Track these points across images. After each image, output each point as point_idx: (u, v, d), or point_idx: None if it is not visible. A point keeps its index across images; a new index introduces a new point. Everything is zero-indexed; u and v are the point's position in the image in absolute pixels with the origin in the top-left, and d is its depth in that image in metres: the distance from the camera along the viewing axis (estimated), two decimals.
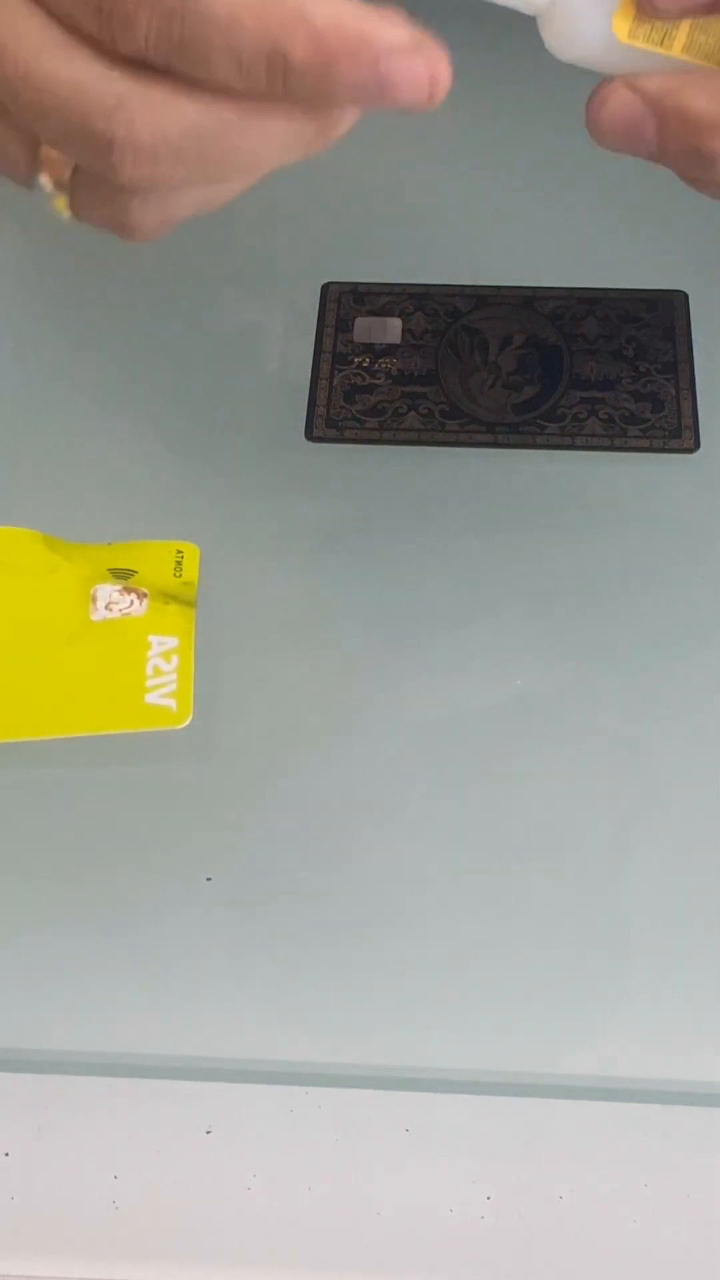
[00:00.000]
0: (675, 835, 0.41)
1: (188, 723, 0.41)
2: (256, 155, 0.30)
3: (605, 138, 0.34)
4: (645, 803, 0.41)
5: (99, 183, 0.31)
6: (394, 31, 0.28)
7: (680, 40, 0.33)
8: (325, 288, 0.48)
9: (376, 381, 0.43)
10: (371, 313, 0.44)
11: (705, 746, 0.42)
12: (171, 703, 0.41)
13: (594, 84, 0.35)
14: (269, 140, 0.30)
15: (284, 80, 0.28)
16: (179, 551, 0.44)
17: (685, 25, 0.33)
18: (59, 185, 0.33)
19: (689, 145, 0.33)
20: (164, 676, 0.42)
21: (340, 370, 0.43)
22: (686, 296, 0.49)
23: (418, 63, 0.28)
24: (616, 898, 0.40)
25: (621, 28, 0.33)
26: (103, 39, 0.29)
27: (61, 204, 0.33)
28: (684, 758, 0.42)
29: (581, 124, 0.44)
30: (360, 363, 0.44)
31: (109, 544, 0.45)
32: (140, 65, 0.29)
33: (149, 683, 0.42)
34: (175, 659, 0.42)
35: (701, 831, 0.41)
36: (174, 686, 0.42)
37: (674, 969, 0.39)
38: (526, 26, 0.53)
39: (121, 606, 0.43)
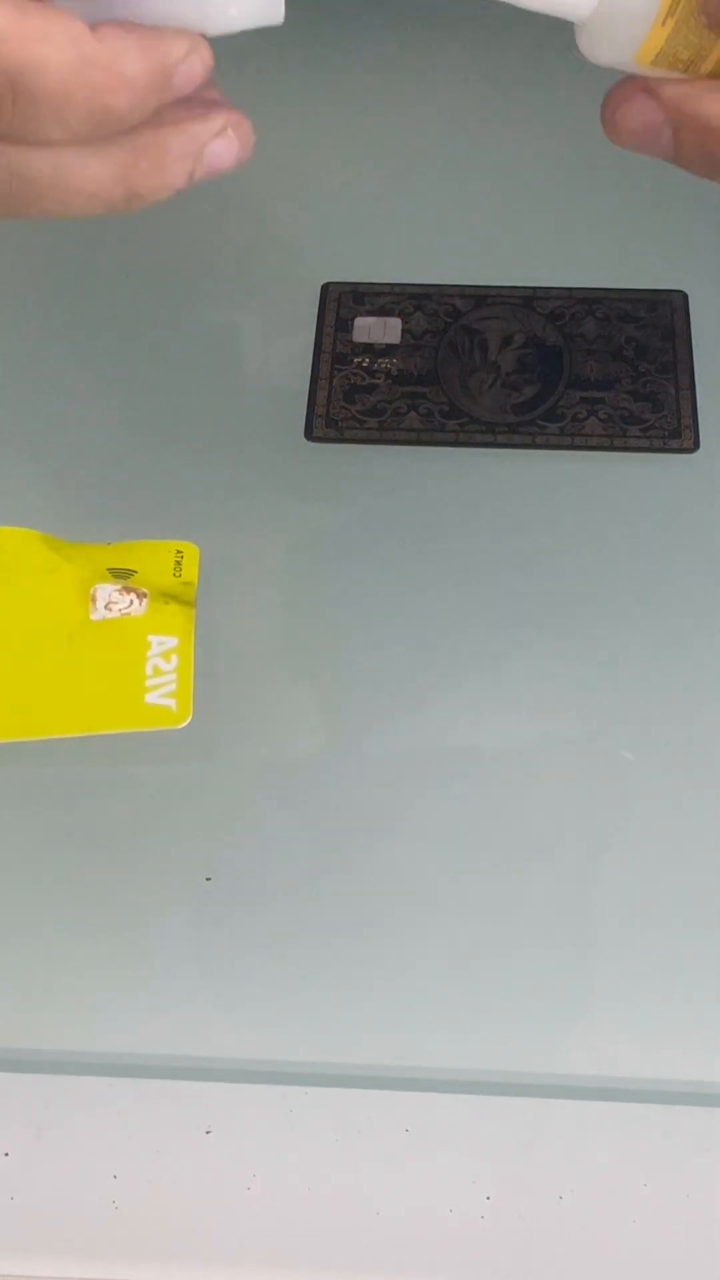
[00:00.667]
0: (676, 836, 0.41)
1: (188, 723, 0.41)
2: (65, 201, 0.33)
3: (621, 139, 0.34)
4: (646, 803, 0.41)
5: None
6: (215, 120, 0.34)
7: (710, 65, 0.32)
8: (325, 288, 0.48)
9: (376, 381, 0.43)
10: (371, 313, 0.44)
11: (706, 746, 0.42)
12: (171, 702, 0.41)
13: (598, 88, 0.35)
14: (80, 187, 0.33)
15: (105, 126, 0.31)
16: (179, 551, 0.44)
17: (714, 54, 0.32)
18: None
19: (706, 151, 0.33)
20: (164, 676, 0.42)
21: (340, 370, 0.43)
22: (686, 296, 0.49)
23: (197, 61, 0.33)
24: (616, 898, 0.40)
25: (649, 51, 0.32)
26: None
27: None
28: (685, 757, 0.42)
29: (581, 125, 0.44)
30: (360, 363, 0.44)
31: (109, 544, 0.45)
32: None
33: (149, 682, 0.42)
34: (175, 659, 0.42)
35: (703, 832, 0.41)
36: (174, 686, 0.42)
37: (674, 969, 0.39)
38: (527, 27, 0.53)
39: (121, 606, 0.43)
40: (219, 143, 0.34)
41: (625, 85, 0.33)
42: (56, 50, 0.30)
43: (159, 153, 0.33)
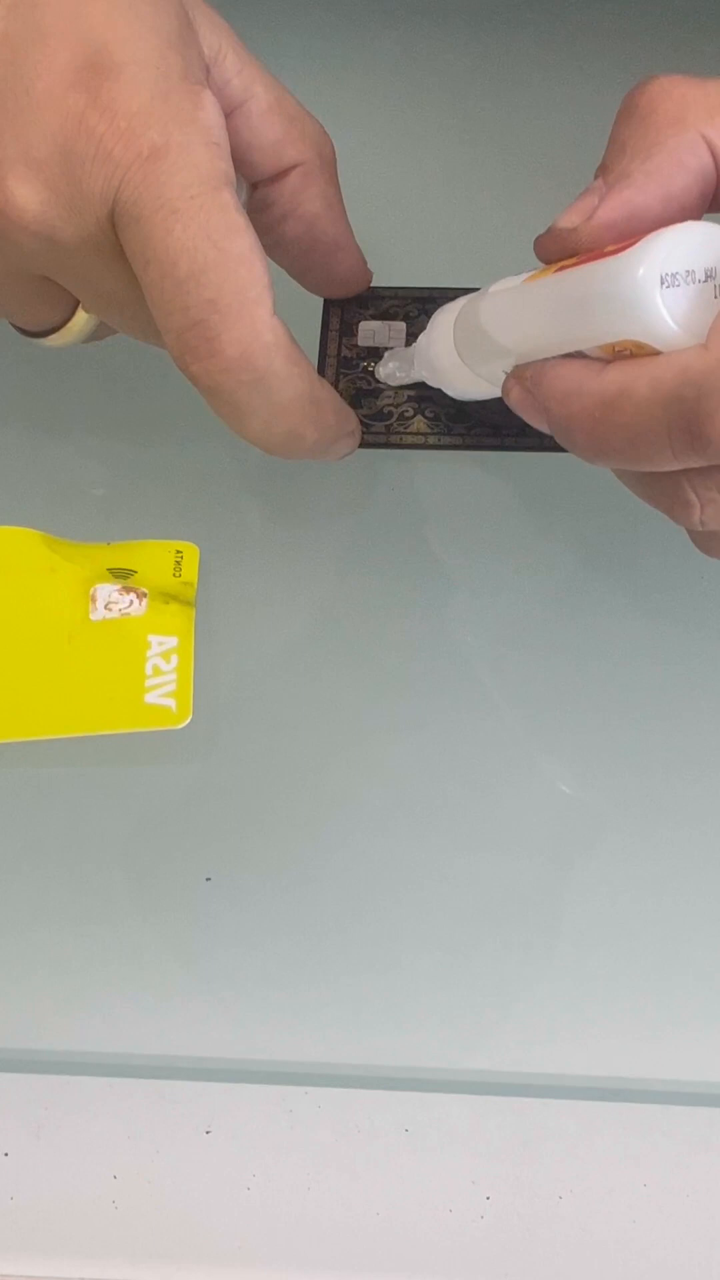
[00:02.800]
0: (677, 836, 0.41)
1: (188, 723, 0.41)
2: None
3: (516, 411, 0.37)
4: (646, 804, 0.41)
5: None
6: (352, 420, 0.41)
7: None
8: None
9: (382, 386, 0.43)
10: (375, 316, 0.44)
11: (708, 746, 0.42)
12: (171, 703, 0.41)
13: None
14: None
15: (286, 448, 0.39)
16: (178, 551, 0.44)
17: None
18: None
19: (557, 428, 0.36)
20: (164, 676, 0.42)
21: (345, 374, 0.43)
22: None
23: (353, 443, 0.41)
24: (617, 898, 0.40)
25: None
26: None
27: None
28: (687, 758, 0.42)
29: (582, 125, 0.45)
30: (365, 367, 0.44)
31: (109, 544, 0.44)
32: None
33: (148, 682, 0.42)
34: (175, 659, 0.42)
35: (704, 832, 0.41)
36: (174, 686, 0.42)
37: (674, 969, 0.39)
38: (530, 29, 0.53)
39: (121, 606, 0.43)
40: (349, 441, 0.41)
41: (508, 377, 0.37)
42: (301, 376, 0.37)
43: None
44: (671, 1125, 0.38)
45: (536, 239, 0.36)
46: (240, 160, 0.40)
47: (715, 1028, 0.38)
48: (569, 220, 0.35)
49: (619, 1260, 0.36)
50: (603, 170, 0.35)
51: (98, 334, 0.42)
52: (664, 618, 0.44)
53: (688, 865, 0.40)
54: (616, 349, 0.34)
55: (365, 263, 0.44)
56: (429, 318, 0.41)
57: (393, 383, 0.43)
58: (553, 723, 0.42)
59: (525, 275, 0.37)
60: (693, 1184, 0.37)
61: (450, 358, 0.40)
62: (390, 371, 0.43)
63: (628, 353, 0.34)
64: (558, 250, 0.36)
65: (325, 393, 0.39)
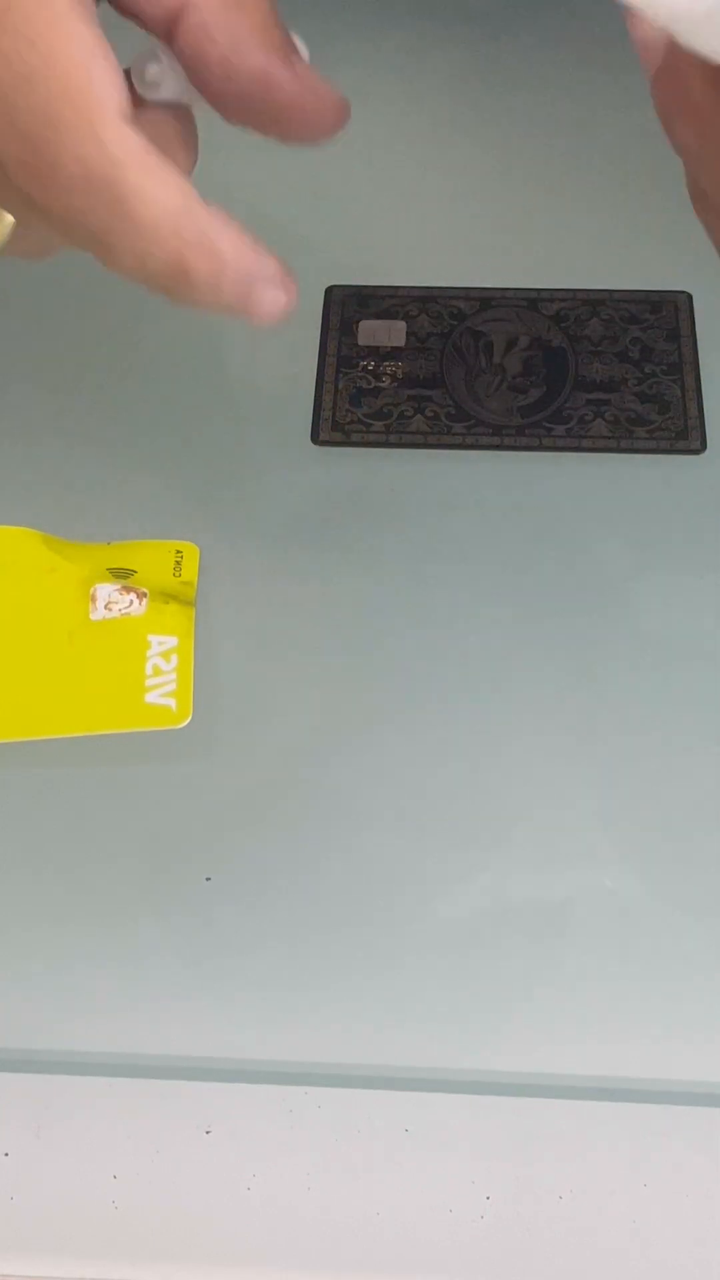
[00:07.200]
0: (677, 835, 0.41)
1: (188, 722, 0.41)
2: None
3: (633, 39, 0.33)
4: (646, 802, 0.41)
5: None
6: (269, 262, 0.34)
7: None
8: (328, 291, 0.48)
9: (382, 385, 0.43)
10: (375, 316, 0.45)
11: (709, 744, 0.42)
12: (171, 702, 0.42)
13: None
14: None
15: (176, 285, 0.33)
16: (178, 551, 0.44)
17: None
18: None
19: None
20: (164, 676, 0.42)
21: (345, 374, 0.44)
22: (690, 297, 0.49)
23: (280, 295, 0.35)
24: (617, 897, 0.40)
25: None
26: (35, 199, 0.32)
27: None
28: (686, 757, 0.42)
29: (584, 125, 0.45)
30: (365, 366, 0.44)
31: (109, 544, 0.45)
32: None
33: (148, 682, 0.42)
34: (175, 658, 0.42)
35: (702, 830, 0.41)
36: (174, 686, 0.42)
37: (675, 969, 0.39)
38: (530, 28, 0.53)
39: (121, 606, 0.43)
40: (273, 289, 0.35)
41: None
42: (168, 191, 0.32)
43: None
44: (671, 1125, 0.37)
45: None
46: (135, 16, 0.34)
47: (715, 1028, 0.38)
48: None
49: (619, 1260, 0.36)
50: None
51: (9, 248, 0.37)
52: (663, 615, 0.44)
53: (689, 864, 0.40)
54: None
55: (320, 86, 0.36)
56: (429, 317, 0.41)
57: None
58: (554, 722, 0.42)
59: None
60: (693, 1184, 0.37)
61: None
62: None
63: None
64: None
65: (211, 217, 0.33)
